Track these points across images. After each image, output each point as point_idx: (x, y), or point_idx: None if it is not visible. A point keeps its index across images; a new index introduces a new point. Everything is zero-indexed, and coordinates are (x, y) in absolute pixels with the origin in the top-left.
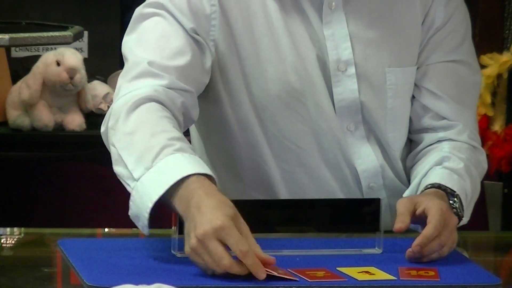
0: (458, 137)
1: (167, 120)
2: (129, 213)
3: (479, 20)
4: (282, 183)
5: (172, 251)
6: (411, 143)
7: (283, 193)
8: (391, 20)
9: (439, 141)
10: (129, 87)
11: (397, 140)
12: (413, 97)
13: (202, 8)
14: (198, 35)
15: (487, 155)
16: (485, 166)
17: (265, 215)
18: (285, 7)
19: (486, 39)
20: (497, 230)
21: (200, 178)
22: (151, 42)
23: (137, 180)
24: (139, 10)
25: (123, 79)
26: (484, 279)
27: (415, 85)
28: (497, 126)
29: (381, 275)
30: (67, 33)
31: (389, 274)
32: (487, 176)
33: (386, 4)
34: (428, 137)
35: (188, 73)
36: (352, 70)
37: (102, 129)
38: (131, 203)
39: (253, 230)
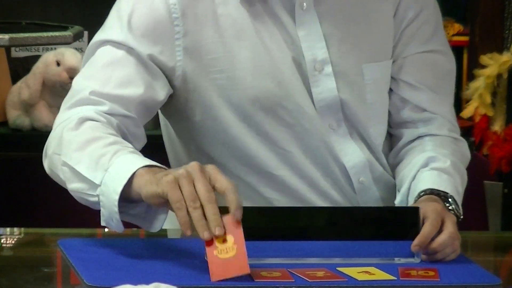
0: (439, 132)
1: (114, 135)
2: (102, 222)
3: (479, 20)
4: (274, 188)
5: (205, 257)
6: (392, 138)
7: (276, 198)
8: (363, 16)
9: (420, 136)
10: (67, 114)
11: (378, 134)
12: (390, 90)
13: (167, 30)
14: (156, 61)
15: (487, 155)
16: (468, 155)
17: (302, 222)
18: (256, 14)
19: (486, 39)
20: (497, 230)
21: (158, 167)
22: (97, 71)
23: (100, 184)
24: (92, 40)
25: (63, 106)
26: (484, 279)
27: (393, 78)
28: (497, 126)
29: (381, 275)
30: (67, 33)
31: (389, 274)
32: (487, 176)
33: (357, 0)
34: (408, 133)
35: (132, 102)
36: (329, 69)
37: (45, 163)
38: (101, 209)
39: (292, 238)
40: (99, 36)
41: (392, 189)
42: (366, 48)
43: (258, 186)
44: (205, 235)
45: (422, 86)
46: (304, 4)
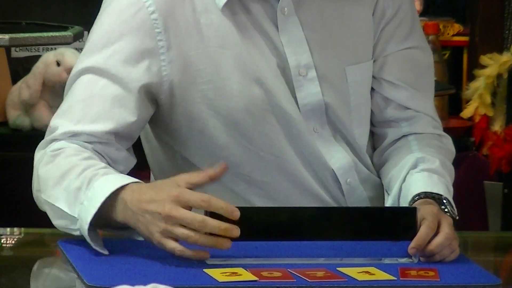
0: (423, 130)
1: (87, 158)
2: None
3: (479, 20)
4: (263, 195)
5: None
6: (374, 137)
7: (265, 205)
8: (342, 18)
9: (404, 135)
10: (42, 152)
11: (362, 135)
12: (372, 89)
13: (151, 46)
14: (148, 89)
15: (487, 155)
16: (453, 150)
17: (301, 222)
18: (239, 22)
19: (486, 39)
20: (497, 230)
21: (130, 186)
22: (74, 105)
23: (78, 218)
24: (74, 69)
25: (39, 146)
26: (484, 279)
27: (374, 77)
28: (497, 126)
29: (381, 275)
30: (67, 33)
31: (389, 274)
32: (487, 176)
33: (336, 3)
34: (392, 132)
35: (109, 133)
36: (313, 73)
37: (35, 198)
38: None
39: (292, 238)
40: (80, 63)
41: (379, 189)
42: (348, 50)
43: (247, 195)
44: (226, 245)
45: (404, 84)
46: (286, 9)
